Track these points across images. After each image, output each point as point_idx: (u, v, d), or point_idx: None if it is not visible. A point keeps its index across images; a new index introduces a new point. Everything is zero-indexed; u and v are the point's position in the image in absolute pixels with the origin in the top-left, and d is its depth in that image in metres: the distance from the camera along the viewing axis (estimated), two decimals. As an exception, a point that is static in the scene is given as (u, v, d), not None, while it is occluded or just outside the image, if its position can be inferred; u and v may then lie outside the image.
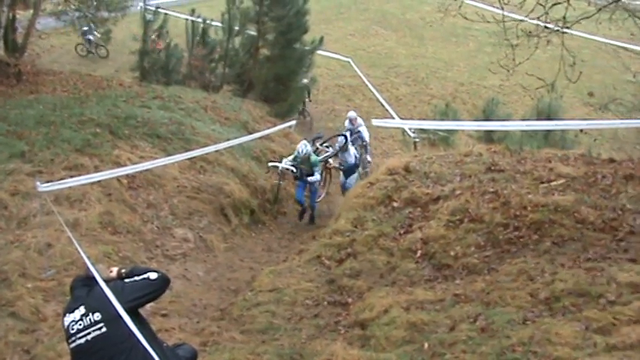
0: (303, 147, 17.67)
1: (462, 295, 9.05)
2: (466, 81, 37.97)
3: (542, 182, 11.96)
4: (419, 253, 11.03)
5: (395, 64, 40.28)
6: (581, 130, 17.45)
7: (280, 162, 18.03)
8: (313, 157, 17.78)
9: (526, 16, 13.67)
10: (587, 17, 14.21)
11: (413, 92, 36.53)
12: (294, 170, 17.59)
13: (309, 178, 17.79)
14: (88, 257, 7.05)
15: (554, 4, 13.12)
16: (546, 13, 13.30)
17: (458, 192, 12.19)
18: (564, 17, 13.08)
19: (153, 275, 6.63)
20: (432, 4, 17.20)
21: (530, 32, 13.64)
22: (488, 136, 20.63)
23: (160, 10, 29.91)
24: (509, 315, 7.92)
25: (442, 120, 22.13)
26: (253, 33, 29.22)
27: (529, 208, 10.88)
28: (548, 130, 19.87)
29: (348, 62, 34.33)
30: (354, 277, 11.09)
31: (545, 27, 13.30)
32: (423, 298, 9.26)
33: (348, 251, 11.69)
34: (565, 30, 13.47)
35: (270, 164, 18.19)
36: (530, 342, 6.86)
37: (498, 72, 15.11)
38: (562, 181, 11.92)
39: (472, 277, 9.85)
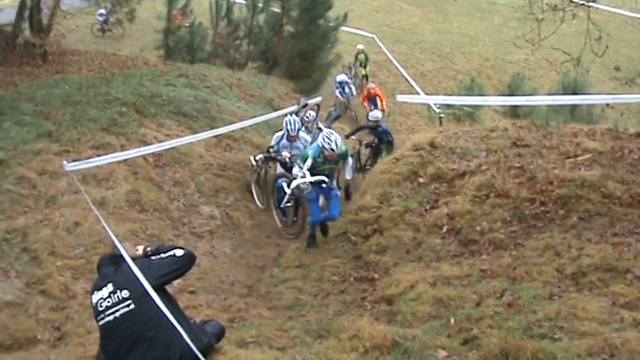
0: (292, 123, 15.41)
1: (489, 271, 9.03)
2: (491, 56, 37.78)
3: (569, 157, 11.90)
4: (445, 228, 11.03)
5: (420, 39, 40.13)
6: (608, 105, 17.30)
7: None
8: (344, 147, 12.73)
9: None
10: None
11: (438, 68, 36.41)
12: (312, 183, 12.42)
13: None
14: (116, 235, 7.10)
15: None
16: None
17: (484, 167, 12.15)
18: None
19: (179, 252, 6.69)
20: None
21: (555, 6, 13.54)
22: (514, 111, 20.48)
23: (184, -12, 29.98)
24: (536, 290, 7.89)
25: (467, 95, 22.01)
26: (277, 10, 29.29)
27: (555, 183, 10.84)
28: (575, 105, 19.74)
29: (373, 38, 34.22)
30: (380, 253, 11.10)
31: (571, 1, 13.20)
32: (450, 273, 9.25)
33: (374, 227, 11.70)
34: (591, 4, 13.35)
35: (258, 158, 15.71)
36: (557, 317, 6.83)
37: (524, 47, 15.06)
38: (588, 155, 11.85)
39: (498, 252, 9.84)
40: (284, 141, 15.34)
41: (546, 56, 16.82)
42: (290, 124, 15.16)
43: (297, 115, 16.23)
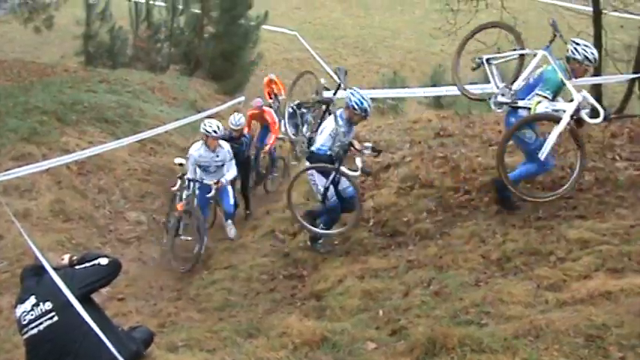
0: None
1: (415, 261, 9.11)
2: (414, 48, 38.10)
3: (491, 145, 12.05)
4: (371, 221, 11.07)
5: (342, 35, 40.29)
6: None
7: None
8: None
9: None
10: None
11: (361, 62, 36.59)
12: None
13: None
14: (36, 245, 6.96)
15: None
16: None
17: (408, 159, 12.27)
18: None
19: (104, 261, 6.60)
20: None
21: None
22: (438, 102, 20.75)
23: (102, -8, 29.61)
24: (462, 278, 7.98)
25: (391, 88, 22.18)
26: (197, 11, 29.06)
27: (479, 171, 10.98)
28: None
29: (295, 36, 34.22)
30: (308, 250, 11.10)
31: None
32: (377, 266, 9.30)
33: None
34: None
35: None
36: (483, 303, 6.91)
37: (444, 37, 15.18)
38: (510, 142, 12.01)
39: (425, 242, 9.90)
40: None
41: (467, 46, 16.96)
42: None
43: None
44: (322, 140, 10.32)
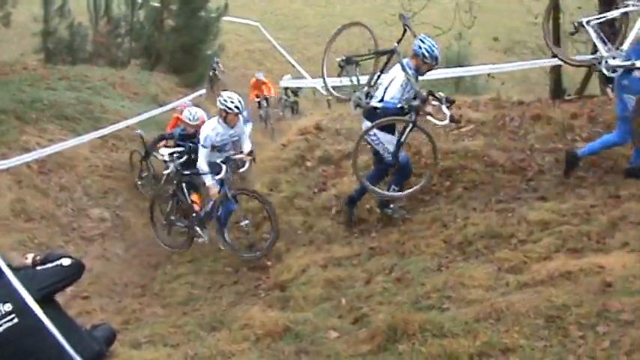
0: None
1: (378, 248, 9.17)
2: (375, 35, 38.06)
3: (451, 130, 12.07)
4: (334, 210, 11.09)
5: (304, 24, 40.26)
6: (489, 75, 17.65)
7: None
8: None
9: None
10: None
11: (323, 51, 36.51)
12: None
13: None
14: (-3, 246, 6.90)
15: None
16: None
17: (369, 146, 12.23)
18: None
19: (66, 261, 6.51)
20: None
21: None
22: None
23: (60, -12, 29.24)
24: (424, 263, 8.03)
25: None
26: (157, 4, 28.88)
27: (440, 157, 10.97)
28: (459, 77, 20.04)
29: (257, 27, 34.15)
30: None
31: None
32: (340, 254, 9.35)
33: (265, 215, 11.62)
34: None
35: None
36: (444, 287, 6.93)
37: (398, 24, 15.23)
38: (471, 126, 12.07)
39: (387, 229, 9.97)
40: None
41: (429, 31, 16.98)
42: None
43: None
44: (392, 92, 9.68)
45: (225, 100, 11.34)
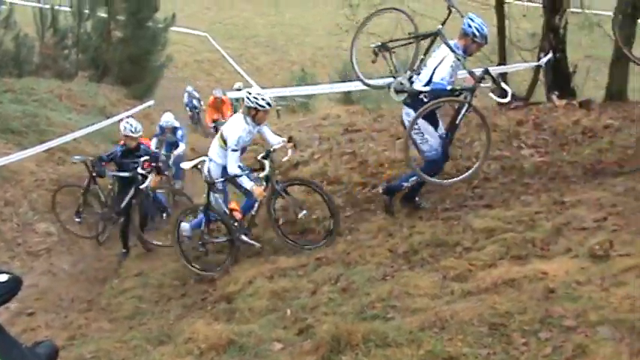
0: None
1: (324, 258, 9.14)
2: (325, 45, 38.19)
3: (399, 138, 12.10)
4: (281, 220, 11.02)
5: (253, 34, 40.23)
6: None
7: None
8: None
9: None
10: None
11: (273, 61, 36.58)
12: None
13: None
14: None
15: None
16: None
17: (317, 156, 12.28)
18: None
19: (2, 277, 6.38)
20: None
21: None
22: (348, 98, 20.76)
23: (5, -1, 28.93)
24: (370, 272, 8.00)
25: (300, 86, 22.17)
26: (104, 15, 28.61)
27: (386, 165, 11.04)
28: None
29: (206, 37, 34.07)
30: (219, 252, 11.03)
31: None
32: (286, 265, 9.31)
33: (212, 227, 11.54)
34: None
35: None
36: (389, 297, 6.93)
37: (343, 34, 15.30)
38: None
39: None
40: None
41: (369, 42, 17.12)
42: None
43: None
44: (442, 73, 9.27)
45: (255, 98, 10.61)
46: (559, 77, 15.32)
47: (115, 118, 18.91)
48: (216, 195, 11.03)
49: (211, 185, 10.82)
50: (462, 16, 9.56)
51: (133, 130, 12.82)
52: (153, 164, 12.75)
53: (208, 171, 10.89)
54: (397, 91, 9.65)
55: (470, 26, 9.36)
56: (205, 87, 27.93)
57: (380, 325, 6.02)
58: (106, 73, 28.49)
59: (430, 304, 6.52)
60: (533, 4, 17.18)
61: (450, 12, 9.51)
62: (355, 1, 14.06)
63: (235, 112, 20.66)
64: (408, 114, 9.61)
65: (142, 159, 12.70)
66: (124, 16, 28.28)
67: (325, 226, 10.59)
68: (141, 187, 12.39)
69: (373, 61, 9.90)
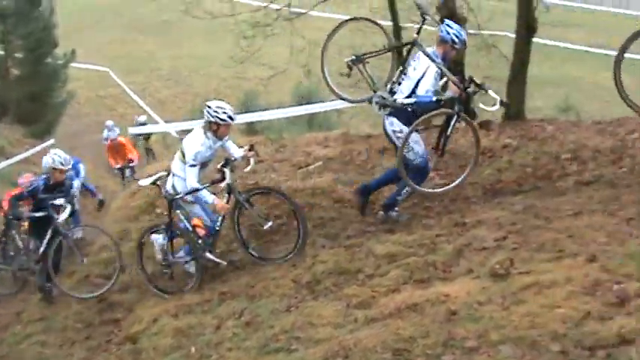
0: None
1: (229, 292, 9.07)
2: (228, 75, 38.04)
3: (301, 167, 12.13)
4: (244, 234, 10.84)
5: (156, 67, 40.04)
6: (336, 110, 17.89)
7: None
8: None
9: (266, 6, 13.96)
10: (324, 0, 14.58)
11: (176, 93, 36.44)
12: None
13: None
14: None
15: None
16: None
17: (219, 189, 12.16)
18: (289, 4, 13.41)
19: None
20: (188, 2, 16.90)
21: (257, 22, 13.90)
22: (251, 128, 20.74)
23: None
24: (274, 305, 7.97)
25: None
26: (1, 52, 28.15)
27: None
28: (312, 114, 20.20)
29: (107, 72, 33.77)
30: (124, 292, 10.87)
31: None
32: (191, 300, 9.25)
33: (116, 265, 11.34)
34: (292, 17, 13.87)
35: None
36: (293, 328, 6.91)
37: (257, 63, 15.39)
38: (319, 163, 12.14)
39: (238, 272, 9.95)
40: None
41: (266, 72, 17.19)
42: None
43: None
44: (427, 85, 9.23)
45: (215, 111, 9.98)
46: (458, 99, 15.56)
47: (15, 159, 18.56)
48: (178, 211, 10.56)
49: (172, 202, 10.40)
50: (437, 24, 9.68)
51: (64, 161, 12.06)
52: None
53: (173, 187, 10.43)
54: (380, 106, 9.54)
55: (448, 33, 9.35)
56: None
57: (283, 358, 5.99)
58: (5, 112, 28.01)
59: (334, 333, 6.51)
60: (430, 28, 17.42)
61: (424, 20, 9.45)
62: (250, 32, 14.10)
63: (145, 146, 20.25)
64: (392, 123, 9.56)
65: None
66: (21, 52, 27.88)
67: (290, 236, 10.36)
68: (58, 220, 11.60)
69: (347, 75, 9.73)
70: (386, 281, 7.57)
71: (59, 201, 11.84)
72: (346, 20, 10.22)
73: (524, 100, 14.90)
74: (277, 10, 15.09)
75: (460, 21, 14.75)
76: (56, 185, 12.12)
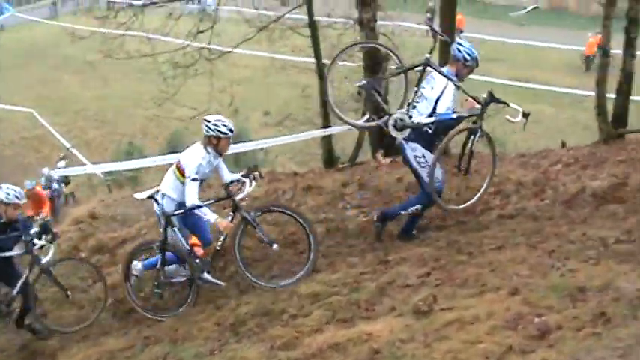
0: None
1: (152, 337, 8.92)
2: (154, 115, 37.91)
3: (225, 208, 12.06)
4: (109, 300, 10.71)
5: (82, 108, 39.60)
6: (262, 149, 17.91)
7: None
8: None
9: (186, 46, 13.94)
10: (247, 40, 14.63)
11: (103, 134, 36.09)
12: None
13: None
14: None
15: (200, 32, 13.46)
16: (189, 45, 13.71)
17: (144, 231, 12.07)
18: (208, 45, 13.43)
19: None
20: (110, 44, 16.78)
21: (177, 63, 13.90)
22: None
23: None
24: (197, 348, 7.91)
25: (128, 160, 21.92)
26: None
27: (211, 235, 10.91)
28: (238, 153, 20.17)
29: (32, 113, 33.38)
30: (45, 338, 10.57)
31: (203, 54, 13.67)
32: (115, 346, 9.05)
33: (37, 312, 11.09)
34: (213, 57, 13.94)
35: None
36: (215, 372, 6.86)
37: (180, 104, 15.38)
38: (244, 202, 12.09)
39: (161, 316, 9.77)
40: None
41: (186, 112, 17.19)
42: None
43: None
44: (446, 103, 9.36)
45: (215, 125, 9.64)
46: (383, 136, 15.69)
47: None
48: (175, 230, 9.96)
49: (168, 219, 9.88)
50: (450, 43, 9.82)
51: (19, 195, 10.79)
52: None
53: (162, 206, 9.99)
54: (398, 129, 9.47)
55: (460, 51, 9.46)
56: (36, 165, 27.08)
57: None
58: None
59: (256, 376, 6.48)
60: (353, 64, 17.58)
61: (436, 40, 9.63)
62: (170, 72, 14.09)
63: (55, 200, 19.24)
64: (415, 149, 9.53)
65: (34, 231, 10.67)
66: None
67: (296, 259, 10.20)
68: (42, 261, 10.51)
69: (357, 100, 9.65)
70: (309, 321, 7.58)
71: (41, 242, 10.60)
72: (351, 45, 10.66)
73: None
74: (200, 49, 15.12)
75: (383, 59, 14.96)
76: (10, 223, 10.78)
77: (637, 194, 10.15)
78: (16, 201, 10.68)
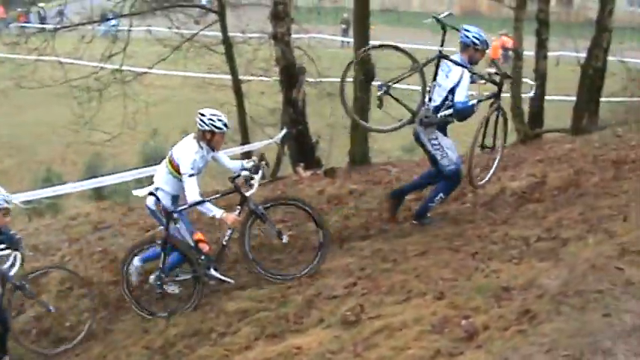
0: None
1: (80, 365, 8.80)
2: (74, 141, 37.21)
3: (147, 231, 12.02)
4: (33, 331, 10.42)
5: (-4, 136, 38.80)
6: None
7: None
8: None
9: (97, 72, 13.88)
10: (162, 60, 14.57)
11: (19, 163, 35.33)
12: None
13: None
14: None
15: (111, 55, 13.39)
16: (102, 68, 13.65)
17: (67, 258, 11.87)
18: (121, 67, 13.36)
19: None
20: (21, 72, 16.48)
21: (89, 88, 13.82)
22: (99, 194, 20.34)
23: None
24: (126, 374, 7.82)
25: (47, 187, 21.49)
26: None
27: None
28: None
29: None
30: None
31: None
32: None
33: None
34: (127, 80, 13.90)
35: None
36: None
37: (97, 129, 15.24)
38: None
39: (89, 343, 9.58)
40: None
41: (100, 137, 17.06)
42: None
43: None
44: (464, 92, 9.42)
45: (210, 119, 9.35)
46: (303, 149, 15.75)
47: None
48: (177, 226, 9.62)
49: (169, 215, 9.47)
50: (458, 30, 9.74)
51: (7, 199, 9.67)
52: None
53: (158, 200, 9.60)
54: (427, 125, 9.63)
55: (467, 37, 9.59)
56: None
57: None
58: None
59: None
60: (269, 79, 17.63)
61: (445, 31, 9.50)
62: (85, 97, 13.96)
63: None
64: (429, 132, 9.70)
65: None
66: None
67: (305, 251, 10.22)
68: (10, 274, 9.52)
69: (379, 107, 9.53)
70: (238, 339, 7.59)
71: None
72: (367, 48, 11.10)
73: (368, 144, 15.22)
74: (114, 71, 15.03)
75: (300, 71, 15.04)
76: None
77: (555, 192, 10.37)
78: (5, 205, 9.56)
